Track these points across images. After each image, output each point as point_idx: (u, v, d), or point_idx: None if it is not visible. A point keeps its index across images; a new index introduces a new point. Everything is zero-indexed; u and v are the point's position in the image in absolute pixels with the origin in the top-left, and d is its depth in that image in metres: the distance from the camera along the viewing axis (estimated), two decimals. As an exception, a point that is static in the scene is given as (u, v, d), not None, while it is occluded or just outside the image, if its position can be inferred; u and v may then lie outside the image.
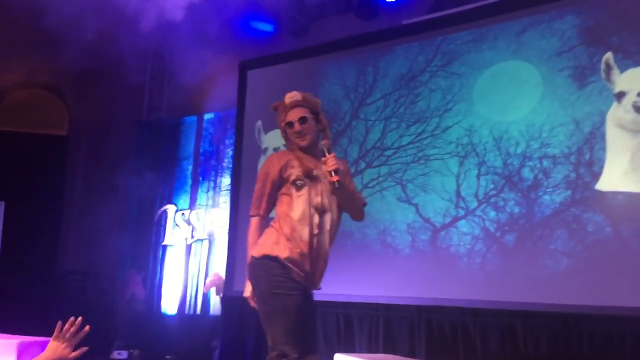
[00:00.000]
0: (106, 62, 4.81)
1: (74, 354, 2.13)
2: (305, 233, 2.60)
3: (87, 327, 2.15)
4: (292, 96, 2.78)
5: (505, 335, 3.93)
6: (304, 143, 2.73)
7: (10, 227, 4.80)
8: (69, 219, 5.95)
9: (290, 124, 2.74)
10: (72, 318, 2.15)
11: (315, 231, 2.62)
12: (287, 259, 2.57)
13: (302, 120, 2.72)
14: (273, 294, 2.55)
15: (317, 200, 2.64)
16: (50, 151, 5.96)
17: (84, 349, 2.15)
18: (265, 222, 2.73)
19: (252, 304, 2.66)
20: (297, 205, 2.63)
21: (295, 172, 2.67)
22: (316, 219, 2.63)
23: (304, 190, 2.64)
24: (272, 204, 2.72)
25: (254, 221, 2.71)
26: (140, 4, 3.97)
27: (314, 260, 2.63)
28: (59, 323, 2.15)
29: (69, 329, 2.13)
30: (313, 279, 2.65)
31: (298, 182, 2.65)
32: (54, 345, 2.13)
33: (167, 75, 6.11)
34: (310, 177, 2.66)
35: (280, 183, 2.70)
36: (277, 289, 2.55)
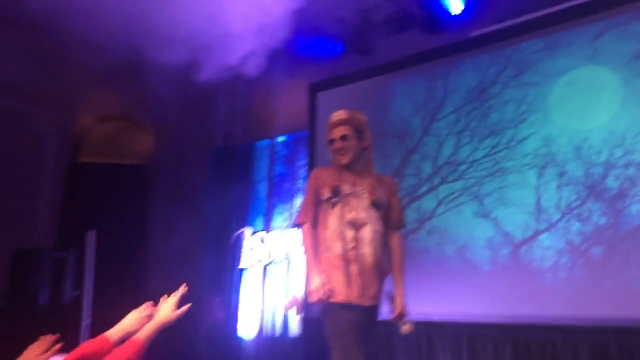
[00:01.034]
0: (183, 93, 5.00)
1: (179, 312, 2.32)
2: (338, 247, 2.73)
3: (184, 285, 2.40)
4: (337, 115, 2.93)
5: (598, 353, 3.75)
6: (344, 160, 2.87)
7: (102, 254, 5.03)
8: (152, 245, 6.17)
9: (332, 141, 2.90)
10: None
11: (351, 245, 2.70)
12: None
13: (343, 137, 2.87)
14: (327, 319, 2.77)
15: (351, 215, 2.74)
16: (132, 180, 6.22)
17: (188, 305, 2.32)
18: (314, 228, 2.88)
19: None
20: (330, 222, 2.78)
21: (326, 192, 2.83)
22: (350, 233, 2.72)
23: (337, 208, 2.77)
24: (316, 212, 2.90)
25: (305, 228, 2.86)
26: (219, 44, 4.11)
27: (356, 273, 2.70)
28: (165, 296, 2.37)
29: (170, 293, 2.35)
30: (361, 292, 2.72)
31: (331, 200, 2.79)
32: (162, 307, 2.33)
33: (240, 101, 6.26)
34: (341, 194, 2.80)
35: (317, 199, 2.88)
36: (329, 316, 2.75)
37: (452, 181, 4.60)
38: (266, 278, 5.71)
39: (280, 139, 6.04)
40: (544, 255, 4.05)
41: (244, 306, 5.74)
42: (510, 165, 4.35)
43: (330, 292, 2.72)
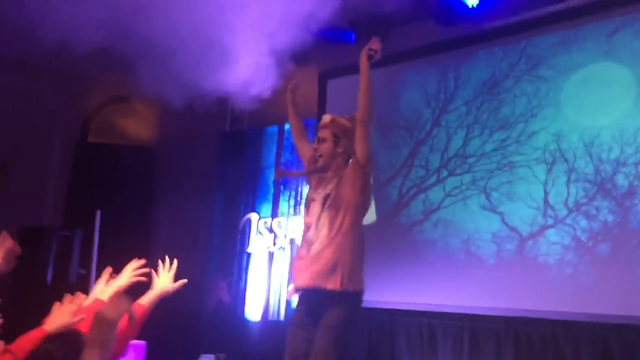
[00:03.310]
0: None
1: (178, 283, 2.43)
2: (300, 247, 3.04)
3: (175, 261, 2.52)
4: (324, 118, 3.11)
5: (598, 349, 3.76)
6: (318, 164, 3.02)
7: (105, 235, 5.05)
8: (159, 227, 6.20)
9: (315, 141, 3.06)
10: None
11: (305, 246, 2.95)
12: None
13: (319, 140, 3.02)
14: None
15: (307, 219, 2.98)
16: (140, 162, 6.24)
17: (184, 280, 2.38)
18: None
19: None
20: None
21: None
22: (304, 234, 2.99)
23: (306, 209, 3.03)
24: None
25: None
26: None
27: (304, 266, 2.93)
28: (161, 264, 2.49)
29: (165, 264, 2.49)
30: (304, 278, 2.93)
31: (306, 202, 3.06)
32: (160, 278, 2.45)
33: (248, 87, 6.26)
34: (308, 197, 3.05)
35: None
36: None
37: (460, 174, 4.59)
38: (273, 263, 5.74)
39: (289, 126, 6.04)
40: (549, 250, 4.05)
41: (251, 289, 5.78)
42: (519, 160, 4.33)
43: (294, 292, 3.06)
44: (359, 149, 2.94)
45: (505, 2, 4.64)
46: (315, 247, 2.89)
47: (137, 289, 2.48)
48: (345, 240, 2.88)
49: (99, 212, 5.03)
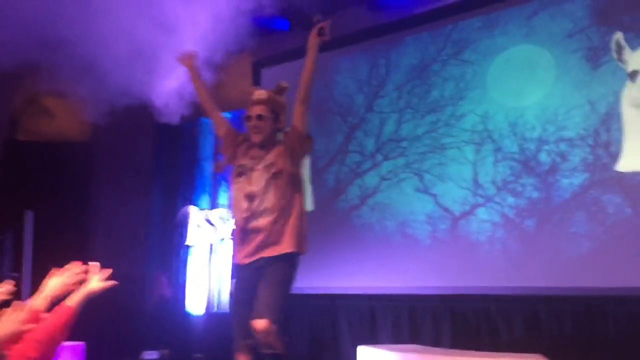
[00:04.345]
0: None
1: (108, 282, 2.34)
2: (237, 218, 3.01)
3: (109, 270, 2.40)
4: (258, 93, 3.07)
5: (529, 320, 3.93)
6: (256, 139, 3.02)
7: (39, 236, 4.92)
8: (96, 225, 6.06)
9: (248, 118, 3.03)
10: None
11: (245, 215, 2.92)
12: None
13: (259, 117, 2.99)
14: None
15: (248, 189, 2.94)
16: (74, 158, 6.07)
17: (113, 282, 2.35)
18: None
19: None
20: (234, 194, 3.05)
21: (236, 164, 3.07)
22: (245, 204, 2.94)
23: (239, 181, 3.00)
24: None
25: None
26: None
27: (248, 237, 2.94)
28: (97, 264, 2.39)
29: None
30: (247, 254, 2.95)
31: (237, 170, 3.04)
32: (93, 279, 2.34)
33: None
34: (244, 169, 3.00)
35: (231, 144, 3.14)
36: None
37: (394, 157, 4.68)
38: (212, 255, 5.72)
39: (225, 116, 6.00)
40: (480, 228, 4.20)
41: (191, 283, 5.74)
42: (449, 142, 4.45)
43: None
44: (301, 125, 3.00)
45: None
46: (264, 217, 2.90)
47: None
48: (295, 208, 2.95)
49: (30, 213, 4.88)
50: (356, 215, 4.78)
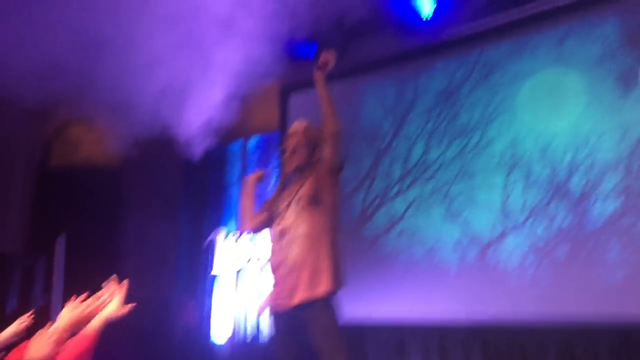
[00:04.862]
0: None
1: (128, 307, 2.34)
2: (271, 261, 2.87)
3: (126, 280, 2.39)
4: (295, 126, 3.04)
5: (564, 351, 3.82)
6: (289, 168, 2.95)
7: (70, 261, 4.99)
8: (125, 250, 6.12)
9: (284, 151, 3.00)
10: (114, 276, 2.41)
11: (279, 256, 2.79)
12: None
13: (294, 150, 2.94)
14: None
15: (280, 226, 2.83)
16: (104, 185, 6.16)
17: (132, 304, 2.34)
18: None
19: None
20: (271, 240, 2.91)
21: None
22: (278, 245, 2.82)
23: (274, 225, 2.89)
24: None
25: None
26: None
27: (282, 277, 2.77)
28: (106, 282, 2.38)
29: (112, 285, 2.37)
30: (283, 297, 2.76)
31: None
32: (112, 303, 2.34)
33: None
34: (275, 213, 2.90)
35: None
36: None
37: (422, 183, 4.63)
38: (239, 282, 5.71)
39: (252, 140, 6.04)
40: (510, 256, 4.11)
41: (217, 311, 5.73)
42: (478, 167, 4.39)
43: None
44: (329, 156, 2.88)
45: (457, 13, 4.72)
46: (294, 251, 2.75)
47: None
48: (328, 240, 2.78)
49: (63, 239, 4.96)
50: (383, 242, 4.73)
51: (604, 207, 3.80)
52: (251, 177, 3.11)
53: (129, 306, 2.36)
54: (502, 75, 4.40)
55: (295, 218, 2.80)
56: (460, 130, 4.54)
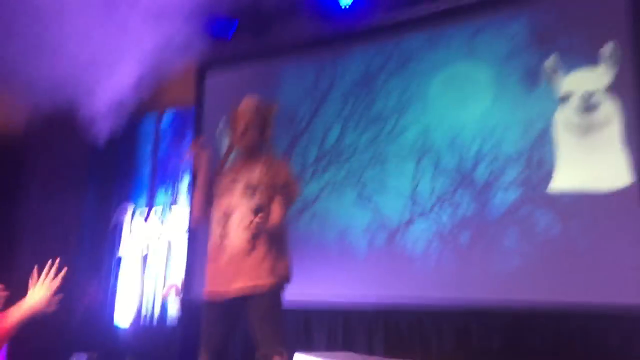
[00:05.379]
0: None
1: (52, 305, 2.18)
2: (211, 241, 2.78)
3: (64, 269, 2.23)
4: (246, 103, 2.85)
5: (460, 332, 4.01)
6: (240, 145, 2.88)
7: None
8: (25, 224, 5.81)
9: (233, 128, 2.90)
10: (49, 261, 2.22)
11: (219, 235, 2.73)
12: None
13: (246, 127, 2.84)
14: None
15: (223, 206, 2.76)
16: (4, 152, 5.80)
17: (60, 296, 2.19)
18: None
19: None
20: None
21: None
22: (220, 224, 2.75)
23: (215, 202, 2.82)
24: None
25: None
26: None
27: (225, 264, 2.70)
28: (36, 268, 2.20)
29: (48, 272, 2.20)
30: (220, 284, 2.71)
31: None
32: (36, 292, 2.16)
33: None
34: (219, 188, 2.83)
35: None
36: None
37: (336, 167, 4.69)
38: (146, 263, 5.58)
39: (167, 116, 5.89)
40: (417, 240, 4.26)
41: (121, 293, 5.58)
42: (390, 153, 4.50)
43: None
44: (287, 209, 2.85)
45: (376, 2, 4.78)
46: (239, 238, 2.67)
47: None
48: (273, 230, 2.74)
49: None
50: (295, 225, 4.75)
51: (504, 197, 4.01)
52: (204, 153, 2.86)
53: (56, 299, 2.19)
54: (417, 65, 4.51)
55: (240, 202, 2.73)
56: (375, 117, 4.63)
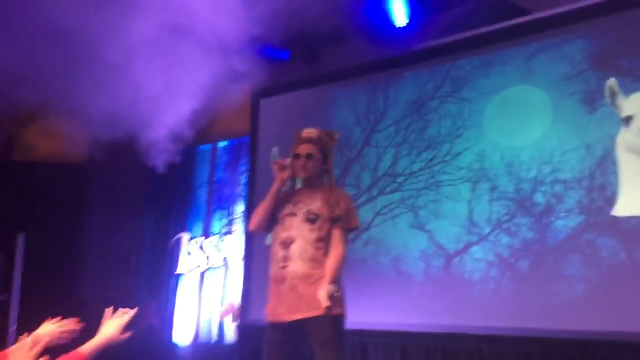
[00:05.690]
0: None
1: (124, 336, 2.31)
2: (271, 268, 2.85)
3: (136, 309, 2.37)
4: (309, 132, 2.92)
5: (522, 361, 3.90)
6: (302, 175, 2.93)
7: (31, 258, 4.88)
8: (87, 248, 6.01)
9: (296, 156, 2.92)
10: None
11: (280, 265, 2.79)
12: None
13: (308, 156, 2.88)
14: None
15: (283, 235, 2.83)
16: (68, 181, 6.03)
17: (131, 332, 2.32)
18: None
19: None
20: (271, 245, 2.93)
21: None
22: (281, 253, 2.81)
23: (275, 230, 2.90)
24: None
25: None
26: None
27: (286, 291, 2.76)
28: (111, 308, 2.34)
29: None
30: (290, 309, 2.75)
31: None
32: (110, 324, 2.30)
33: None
34: (279, 216, 2.91)
35: None
36: None
37: (390, 193, 4.69)
38: (203, 284, 5.67)
39: (222, 144, 6.01)
40: (474, 267, 4.19)
41: (180, 312, 5.68)
42: (445, 179, 4.47)
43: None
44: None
45: (430, 25, 4.79)
46: (301, 267, 2.75)
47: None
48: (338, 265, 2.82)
49: (22, 235, 4.84)
50: (350, 250, 4.72)
51: (565, 223, 3.91)
52: (286, 170, 2.95)
53: (128, 333, 2.30)
54: (471, 89, 4.48)
55: (300, 230, 2.81)
56: (428, 142, 4.61)
